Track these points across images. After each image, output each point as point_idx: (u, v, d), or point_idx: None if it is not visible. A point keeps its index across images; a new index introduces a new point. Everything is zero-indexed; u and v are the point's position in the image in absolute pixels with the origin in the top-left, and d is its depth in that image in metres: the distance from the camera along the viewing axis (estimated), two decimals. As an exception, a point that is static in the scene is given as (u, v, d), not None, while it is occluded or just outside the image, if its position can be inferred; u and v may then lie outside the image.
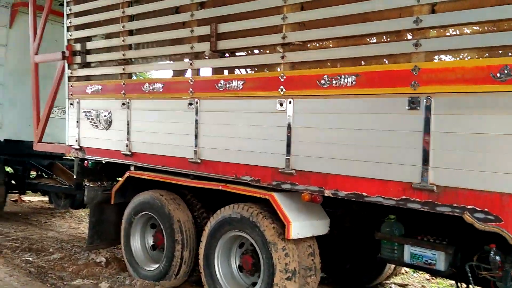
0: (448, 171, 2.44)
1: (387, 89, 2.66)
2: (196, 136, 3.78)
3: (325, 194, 3.01)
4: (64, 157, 6.50)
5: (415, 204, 2.57)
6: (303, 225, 3.22)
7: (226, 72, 4.13)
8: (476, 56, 2.60)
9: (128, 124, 4.42)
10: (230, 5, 3.55)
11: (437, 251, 2.83)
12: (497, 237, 2.36)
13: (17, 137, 7.00)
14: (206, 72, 4.07)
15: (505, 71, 2.24)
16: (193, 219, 4.12)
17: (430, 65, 2.53)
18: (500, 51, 2.41)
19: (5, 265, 4.71)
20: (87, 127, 4.90)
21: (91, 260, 4.93)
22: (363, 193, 2.79)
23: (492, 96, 2.30)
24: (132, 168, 4.48)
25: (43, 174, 7.64)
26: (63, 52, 5.09)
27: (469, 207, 2.38)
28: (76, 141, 5.01)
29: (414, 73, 2.55)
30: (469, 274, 2.71)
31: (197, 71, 3.90)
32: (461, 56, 2.73)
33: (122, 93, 4.49)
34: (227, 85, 3.55)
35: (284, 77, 3.19)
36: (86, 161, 4.99)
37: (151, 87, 4.21)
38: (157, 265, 4.23)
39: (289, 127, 3.16)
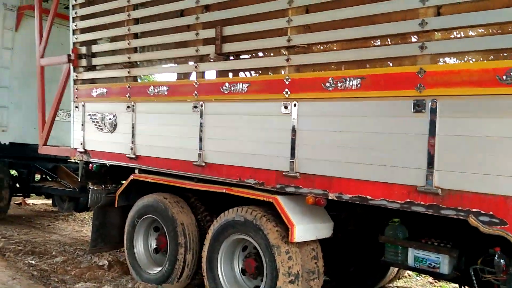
0: (453, 174, 2.43)
1: (392, 92, 2.66)
2: (200, 139, 3.79)
3: (329, 197, 3.00)
4: (68, 160, 6.53)
5: (420, 207, 2.56)
6: (306, 228, 3.21)
7: (230, 75, 4.16)
8: (481, 59, 2.60)
9: (133, 127, 4.44)
10: (235, 8, 3.56)
11: (441, 255, 2.81)
12: (502, 240, 2.34)
13: (22, 140, 7.03)
14: (210, 75, 4.10)
15: (511, 74, 2.23)
16: (197, 222, 4.11)
17: (435, 67, 2.53)
18: (505, 54, 2.41)
19: (8, 268, 4.71)
20: (92, 130, 4.92)
21: (94, 263, 4.93)
22: (368, 196, 2.79)
23: (497, 98, 2.30)
24: (136, 171, 4.48)
25: (48, 177, 7.66)
26: (69, 55, 5.12)
27: (474, 210, 2.37)
28: (81, 144, 5.03)
29: (419, 75, 2.55)
30: (473, 278, 2.70)
31: (202, 74, 3.91)
32: (465, 59, 2.73)
33: (127, 96, 4.52)
34: (232, 88, 3.56)
35: (289, 80, 3.19)
36: (91, 164, 5.00)
37: (156, 90, 4.22)
38: (159, 268, 4.22)
39: (293, 130, 3.16)
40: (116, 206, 4.60)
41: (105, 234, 4.78)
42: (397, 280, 4.60)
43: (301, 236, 3.15)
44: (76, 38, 5.10)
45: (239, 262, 3.68)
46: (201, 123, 3.79)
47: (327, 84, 2.97)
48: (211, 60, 3.75)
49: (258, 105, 3.40)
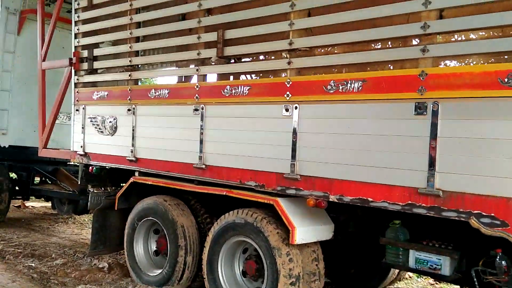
0: (454, 176, 2.44)
1: (394, 95, 2.68)
2: (201, 142, 3.80)
3: (330, 199, 3.01)
4: (68, 163, 6.52)
5: (421, 209, 2.57)
6: (307, 230, 3.21)
7: (231, 78, 4.18)
8: (482, 62, 2.62)
9: (133, 130, 4.45)
10: (237, 11, 3.59)
11: (443, 256, 2.82)
12: (503, 242, 2.35)
13: (22, 143, 7.04)
14: (211, 78, 4.11)
15: (513, 76, 2.25)
16: (197, 224, 4.11)
17: (437, 70, 2.55)
18: (506, 57, 2.43)
19: (8, 270, 4.70)
20: (92, 133, 4.93)
21: (93, 265, 4.92)
22: (369, 198, 2.80)
23: (499, 101, 2.31)
24: (136, 173, 4.49)
25: (47, 180, 7.66)
26: (70, 59, 5.14)
27: (475, 212, 2.38)
28: (81, 147, 5.03)
29: (421, 78, 2.57)
30: (475, 279, 2.70)
31: (203, 77, 3.93)
32: (466, 62, 2.76)
33: (128, 99, 4.53)
34: (233, 91, 3.57)
35: (290, 83, 3.21)
36: (91, 167, 5.00)
37: (157, 93, 4.24)
38: (160, 271, 4.22)
39: (294, 132, 3.17)
40: (116, 208, 4.60)
41: (105, 237, 4.78)
42: (398, 282, 4.60)
43: (302, 238, 3.16)
44: (78, 42, 5.12)
45: (240, 264, 3.68)
46: (201, 126, 3.80)
47: (328, 87, 2.99)
48: (213, 63, 3.77)
49: (259, 108, 3.41)
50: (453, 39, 2.65)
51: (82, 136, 5.02)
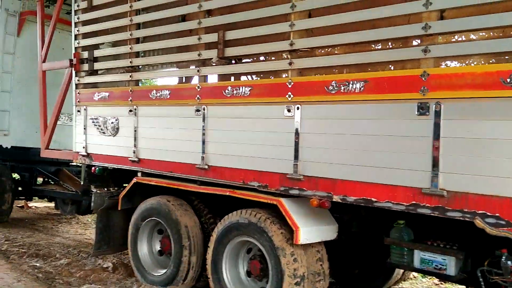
0: (458, 176, 2.45)
1: (396, 95, 2.68)
2: (203, 142, 3.80)
3: (334, 200, 3.01)
4: (70, 163, 6.54)
5: (425, 209, 2.58)
6: (311, 231, 3.22)
7: (232, 79, 4.17)
8: (482, 62, 2.62)
9: (135, 131, 4.45)
10: (238, 12, 3.58)
11: (448, 256, 2.82)
12: (509, 242, 2.36)
13: (24, 144, 7.07)
14: (212, 79, 4.11)
15: (515, 76, 2.25)
16: (200, 224, 4.13)
17: (439, 70, 2.55)
18: (507, 57, 2.42)
19: (12, 270, 4.73)
20: (94, 134, 4.93)
21: (98, 265, 4.95)
22: (372, 199, 2.80)
23: (502, 101, 2.31)
24: (139, 174, 4.50)
25: (50, 180, 7.69)
26: (71, 60, 5.14)
27: (480, 212, 2.38)
28: (83, 147, 5.04)
29: (423, 78, 2.56)
30: (481, 279, 2.71)
31: (204, 78, 3.93)
32: (467, 62, 2.75)
33: (129, 100, 4.53)
34: (235, 92, 3.57)
35: (292, 83, 3.21)
36: (93, 168, 5.02)
37: (158, 94, 4.24)
38: (164, 271, 4.24)
39: (296, 132, 3.17)
40: (119, 208, 4.62)
41: (108, 237, 4.80)
42: (403, 282, 4.62)
43: (306, 238, 3.17)
44: (78, 43, 5.12)
45: (244, 264, 3.70)
46: (203, 127, 3.80)
47: (330, 87, 2.98)
48: (214, 64, 3.77)
49: (260, 109, 3.41)
50: (455, 40, 2.64)
51: (84, 137, 5.02)
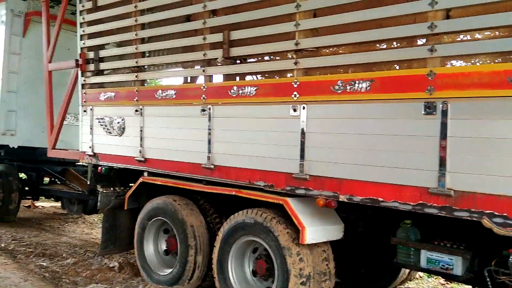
0: (466, 175, 2.44)
1: (402, 94, 2.67)
2: (209, 142, 3.81)
3: (340, 199, 3.01)
4: (77, 163, 6.58)
5: (432, 209, 2.57)
6: (317, 230, 3.22)
7: (237, 79, 4.17)
8: (488, 61, 2.60)
9: (141, 131, 4.47)
10: (243, 12, 3.58)
11: (455, 256, 2.81)
12: (516, 241, 2.35)
13: (31, 144, 7.11)
14: (217, 78, 4.11)
15: (522, 76, 2.24)
16: (206, 224, 4.14)
17: (446, 70, 2.54)
18: (512, 56, 2.41)
19: (19, 270, 4.77)
20: (100, 134, 4.96)
21: (104, 265, 4.98)
22: (379, 198, 2.80)
23: (509, 100, 2.30)
24: (145, 174, 4.52)
25: (56, 180, 7.74)
26: (77, 60, 5.17)
27: (487, 211, 2.37)
28: (90, 147, 5.07)
29: (429, 78, 2.55)
30: (488, 279, 2.70)
31: (209, 78, 3.93)
32: (473, 61, 2.73)
33: (135, 100, 4.55)
34: (240, 91, 3.58)
35: (298, 83, 3.21)
36: (99, 167, 5.04)
37: (164, 94, 4.25)
38: (170, 270, 4.26)
39: (302, 132, 3.17)
40: (125, 208, 4.64)
41: (115, 236, 4.82)
42: (409, 282, 4.61)
43: (312, 238, 3.17)
44: (83, 43, 5.14)
45: (250, 263, 3.70)
46: (209, 126, 3.81)
47: (336, 87, 2.98)
48: (219, 64, 3.77)
49: (266, 108, 3.42)
50: (461, 39, 2.63)
51: (91, 137, 5.05)
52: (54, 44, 5.74)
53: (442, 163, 2.51)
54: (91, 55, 5.04)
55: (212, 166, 3.79)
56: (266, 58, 3.82)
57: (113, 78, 4.94)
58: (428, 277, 5.00)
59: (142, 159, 4.46)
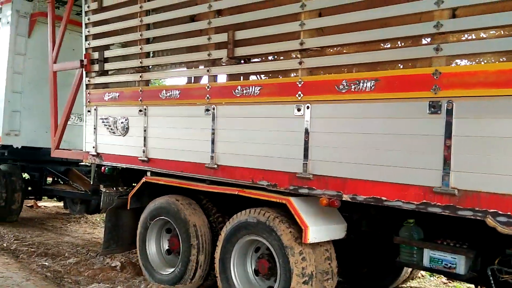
0: (470, 175, 2.44)
1: (407, 94, 2.68)
2: (213, 142, 3.83)
3: (343, 199, 3.01)
4: (80, 163, 6.60)
5: (436, 208, 2.57)
6: (320, 230, 3.22)
7: (241, 78, 4.19)
8: (493, 60, 2.61)
9: (145, 131, 4.49)
10: (248, 12, 3.60)
11: (458, 255, 2.81)
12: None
13: (35, 144, 7.14)
14: (221, 78, 4.13)
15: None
16: (209, 223, 4.15)
17: (451, 69, 2.55)
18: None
19: (21, 269, 4.77)
20: (104, 134, 4.98)
21: (106, 264, 4.98)
22: (382, 197, 2.80)
23: (514, 99, 2.31)
24: (148, 173, 4.53)
25: (59, 180, 7.76)
26: (81, 61, 5.20)
27: (491, 211, 2.38)
28: (93, 147, 5.09)
29: (435, 77, 2.56)
30: (491, 278, 2.70)
31: (213, 78, 3.95)
32: (478, 60, 2.74)
33: (139, 100, 4.57)
34: (244, 91, 3.59)
35: (302, 83, 3.22)
36: (103, 167, 5.06)
37: (168, 94, 4.27)
38: (172, 269, 4.26)
39: (306, 132, 3.18)
40: (128, 208, 4.65)
41: (117, 236, 4.83)
42: (411, 281, 4.61)
43: (314, 237, 3.17)
44: (88, 44, 5.18)
45: (252, 263, 3.71)
46: (213, 126, 3.82)
47: (341, 87, 2.99)
48: (224, 64, 3.79)
49: (270, 108, 3.43)
50: (467, 38, 2.64)
51: (94, 137, 5.07)
52: (59, 44, 5.78)
53: (446, 162, 2.51)
54: (96, 55, 5.08)
55: (216, 166, 3.80)
56: (270, 58, 3.84)
57: (117, 78, 4.96)
58: (430, 276, 4.99)
59: (146, 159, 4.47)
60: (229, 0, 3.74)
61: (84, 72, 5.23)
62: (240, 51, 3.65)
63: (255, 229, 3.47)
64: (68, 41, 6.21)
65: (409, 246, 3.07)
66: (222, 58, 3.77)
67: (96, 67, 5.09)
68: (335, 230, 3.33)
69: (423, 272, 4.86)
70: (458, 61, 2.73)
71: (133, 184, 4.93)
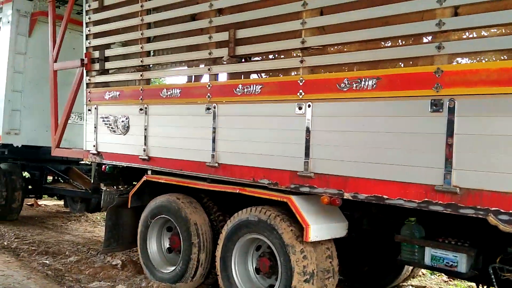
0: (472, 173, 2.44)
1: (409, 92, 2.68)
2: (213, 140, 3.83)
3: (345, 197, 3.01)
4: (80, 162, 6.61)
5: (438, 207, 2.57)
6: (321, 228, 3.23)
7: (242, 77, 4.19)
8: (493, 58, 2.61)
9: (145, 129, 4.49)
10: (249, 11, 3.60)
11: (459, 253, 2.82)
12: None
13: (35, 143, 7.15)
14: (222, 77, 4.13)
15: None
16: (210, 222, 4.15)
17: (453, 67, 2.55)
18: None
19: (22, 268, 4.77)
20: (104, 133, 4.98)
21: (107, 263, 4.98)
22: (384, 196, 2.80)
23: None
24: (149, 172, 4.53)
25: (60, 178, 7.77)
26: (82, 60, 5.20)
27: (493, 209, 2.38)
28: (94, 146, 5.09)
29: (437, 75, 2.56)
30: (492, 276, 2.70)
31: (214, 77, 3.95)
32: (479, 58, 2.74)
33: (139, 98, 4.57)
34: (245, 90, 3.59)
35: (303, 81, 3.22)
36: (103, 166, 5.06)
37: (168, 93, 4.27)
38: (173, 268, 4.26)
39: (307, 130, 3.18)
40: (129, 206, 4.65)
41: (118, 234, 4.83)
42: (412, 279, 4.61)
43: (315, 235, 3.18)
44: (89, 43, 5.17)
45: (253, 261, 3.71)
46: (214, 125, 3.82)
47: (342, 85, 2.99)
48: (225, 63, 3.79)
49: (271, 106, 3.43)
50: (469, 36, 2.64)
51: (95, 136, 5.07)
52: (59, 43, 5.77)
53: (448, 160, 2.51)
54: (96, 54, 5.07)
55: (217, 164, 3.80)
56: (271, 56, 3.84)
57: (118, 77, 4.96)
58: (431, 274, 4.99)
59: (146, 157, 4.47)
60: (230, -1, 3.74)
61: (84, 71, 5.23)
62: (241, 50, 3.65)
63: (256, 227, 3.47)
64: (68, 40, 6.21)
65: (410, 244, 3.07)
66: (223, 57, 3.77)
67: (96, 66, 5.09)
68: (336, 229, 3.33)
69: (424, 271, 4.86)
70: (459, 59, 2.72)
71: (134, 183, 4.93)
